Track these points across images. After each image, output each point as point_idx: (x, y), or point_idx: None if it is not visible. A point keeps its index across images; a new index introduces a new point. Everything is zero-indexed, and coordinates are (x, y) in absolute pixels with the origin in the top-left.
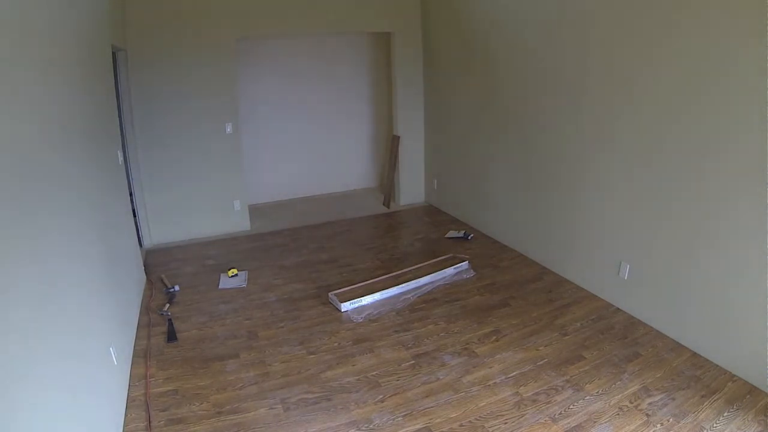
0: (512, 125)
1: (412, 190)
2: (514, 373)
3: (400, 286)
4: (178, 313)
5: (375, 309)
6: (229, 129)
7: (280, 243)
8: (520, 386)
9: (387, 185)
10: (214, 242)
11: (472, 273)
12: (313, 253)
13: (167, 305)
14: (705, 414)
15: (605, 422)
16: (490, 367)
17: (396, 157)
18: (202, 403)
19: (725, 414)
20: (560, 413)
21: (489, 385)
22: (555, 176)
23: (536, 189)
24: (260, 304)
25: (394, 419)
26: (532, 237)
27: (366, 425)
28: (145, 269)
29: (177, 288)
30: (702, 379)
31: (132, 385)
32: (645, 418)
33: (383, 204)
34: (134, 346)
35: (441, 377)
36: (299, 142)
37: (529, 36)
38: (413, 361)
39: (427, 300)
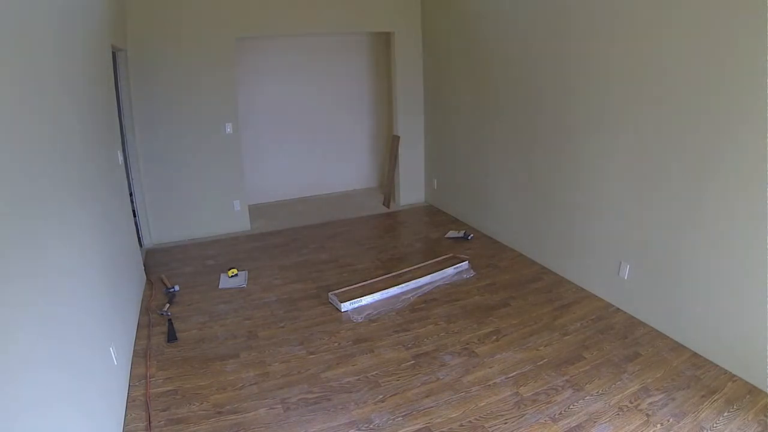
0: (512, 125)
1: (412, 190)
2: (514, 373)
3: (400, 286)
4: (178, 313)
5: (375, 309)
6: (229, 129)
7: (280, 243)
8: (520, 386)
9: (387, 185)
10: (214, 242)
11: (472, 273)
12: (313, 253)
13: (167, 305)
14: (705, 414)
15: (605, 422)
16: (490, 367)
17: (396, 157)
18: (202, 403)
19: (725, 414)
20: (560, 413)
21: (489, 385)
22: (555, 176)
23: (536, 189)
24: (260, 304)
25: (394, 419)
26: (532, 237)
27: (366, 425)
28: (145, 269)
29: (177, 288)
30: (702, 379)
31: (132, 385)
32: (645, 418)
33: (383, 204)
34: (134, 346)
35: (441, 377)
36: (299, 142)
37: (529, 36)
38: (413, 361)
39: (427, 300)
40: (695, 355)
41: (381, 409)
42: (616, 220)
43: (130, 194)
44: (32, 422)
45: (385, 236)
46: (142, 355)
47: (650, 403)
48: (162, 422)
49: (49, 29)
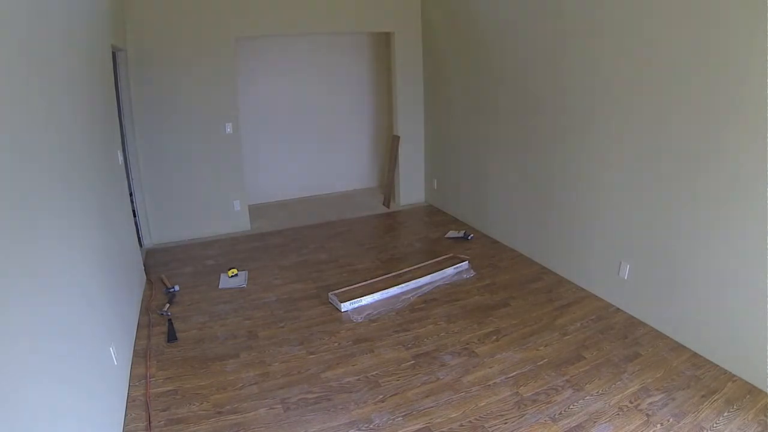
0: (512, 125)
1: (412, 190)
2: (514, 373)
3: (400, 286)
4: (178, 313)
5: (375, 309)
6: (229, 129)
7: (280, 243)
8: (520, 386)
9: (387, 185)
10: (214, 242)
11: (472, 273)
12: (313, 253)
13: (167, 305)
14: (705, 414)
15: (605, 422)
16: (490, 367)
17: (396, 157)
18: (202, 403)
19: (725, 414)
20: (560, 413)
21: (489, 385)
22: (555, 176)
23: (536, 189)
24: (260, 304)
25: (394, 419)
26: (532, 237)
27: (366, 425)
28: (145, 269)
29: (177, 288)
30: (702, 379)
31: (132, 385)
32: (645, 418)
33: (383, 204)
34: (134, 346)
35: (441, 377)
36: (299, 142)
37: (528, 36)
38: (413, 361)
39: (427, 300)
40: (695, 355)
41: (381, 409)
42: (616, 220)
43: (130, 194)
44: (32, 422)
45: (385, 236)
46: (142, 355)
47: (650, 403)
48: (162, 422)
49: (50, 29)
